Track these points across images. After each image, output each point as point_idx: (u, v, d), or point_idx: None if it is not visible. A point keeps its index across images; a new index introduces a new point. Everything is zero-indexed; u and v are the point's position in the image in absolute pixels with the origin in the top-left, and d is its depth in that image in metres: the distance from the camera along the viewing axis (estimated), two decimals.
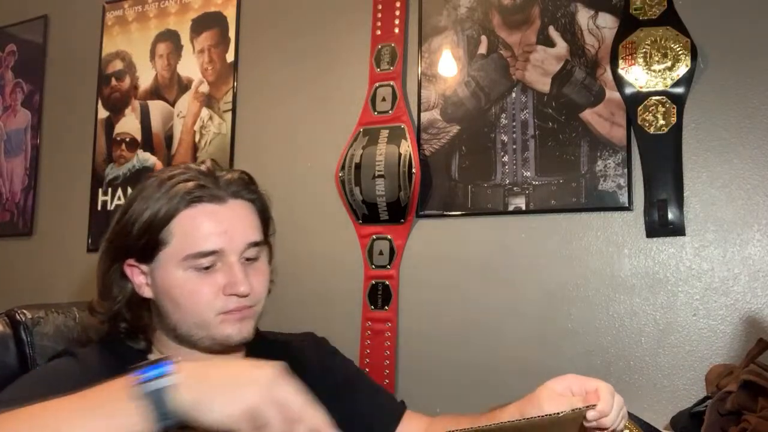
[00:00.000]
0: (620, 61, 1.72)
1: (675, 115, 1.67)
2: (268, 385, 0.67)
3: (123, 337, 0.99)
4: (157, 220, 0.92)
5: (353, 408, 1.05)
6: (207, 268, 0.92)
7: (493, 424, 0.88)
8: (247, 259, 0.97)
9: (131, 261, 0.96)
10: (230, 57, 2.37)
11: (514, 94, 1.88)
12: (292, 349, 1.12)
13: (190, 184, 0.93)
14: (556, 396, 0.95)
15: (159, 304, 0.96)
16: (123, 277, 0.97)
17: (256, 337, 1.03)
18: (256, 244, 0.97)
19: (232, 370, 0.71)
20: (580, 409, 0.87)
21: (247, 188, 0.99)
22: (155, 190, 0.94)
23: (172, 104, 2.48)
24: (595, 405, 0.87)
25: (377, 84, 2.05)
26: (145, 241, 0.93)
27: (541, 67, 1.85)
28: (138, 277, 0.97)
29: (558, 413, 0.85)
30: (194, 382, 0.67)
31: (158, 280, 0.94)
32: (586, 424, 0.87)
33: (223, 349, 0.97)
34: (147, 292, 0.97)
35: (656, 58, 1.68)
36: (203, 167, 0.97)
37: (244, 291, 0.93)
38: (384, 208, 1.97)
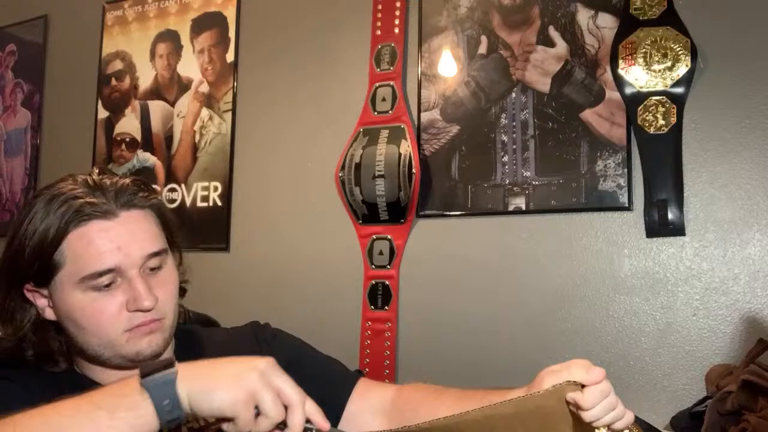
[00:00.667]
0: (620, 61, 1.72)
1: (675, 115, 1.67)
2: (266, 372, 0.72)
3: (32, 363, 0.93)
4: (46, 244, 0.88)
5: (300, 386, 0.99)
6: (107, 286, 0.88)
7: (456, 414, 0.81)
8: (152, 269, 0.92)
9: (29, 285, 0.91)
10: (230, 57, 2.37)
11: (514, 94, 1.88)
12: (227, 344, 1.08)
13: (77, 202, 0.88)
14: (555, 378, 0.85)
15: (63, 326, 0.92)
16: (25, 301, 0.93)
17: (186, 336, 1.04)
18: (156, 254, 0.92)
19: (230, 362, 0.74)
20: (558, 386, 0.80)
21: (140, 195, 0.93)
22: (42, 211, 0.89)
23: (172, 104, 2.48)
24: (577, 383, 0.79)
25: (377, 84, 2.05)
26: (38, 266, 0.89)
27: (541, 67, 1.85)
28: (39, 300, 0.92)
29: (527, 395, 0.82)
30: (197, 374, 0.71)
31: (58, 303, 0.90)
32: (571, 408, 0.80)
33: (135, 365, 0.89)
34: (50, 315, 0.92)
35: (656, 58, 1.68)
36: (90, 179, 0.92)
37: (148, 305, 0.88)
38: (384, 208, 1.97)
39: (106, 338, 0.89)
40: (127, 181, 0.94)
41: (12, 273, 0.92)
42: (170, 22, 2.52)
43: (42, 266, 0.89)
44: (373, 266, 2.02)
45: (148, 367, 0.70)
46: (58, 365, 0.94)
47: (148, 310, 0.89)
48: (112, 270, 0.88)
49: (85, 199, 0.89)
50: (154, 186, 2.36)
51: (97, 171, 0.95)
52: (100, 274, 0.87)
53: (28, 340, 0.93)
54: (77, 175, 0.94)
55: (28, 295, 0.92)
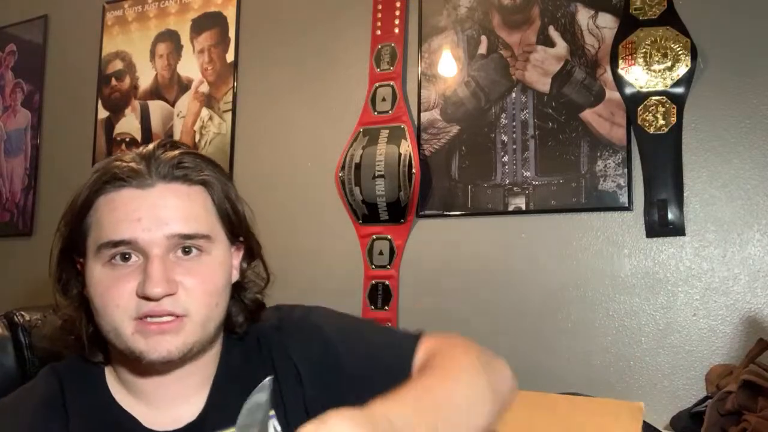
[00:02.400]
0: (620, 61, 1.72)
1: (675, 115, 1.67)
2: None
3: (74, 348, 0.86)
4: (78, 207, 0.81)
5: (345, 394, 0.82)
6: (125, 261, 0.77)
7: None
8: (185, 254, 0.79)
9: (75, 255, 0.84)
10: (230, 57, 2.37)
11: (514, 94, 1.88)
12: (276, 351, 0.89)
13: (117, 166, 0.80)
14: None
15: (90, 305, 0.82)
16: (77, 272, 0.85)
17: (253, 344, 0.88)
18: (188, 237, 0.79)
19: None
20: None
21: (189, 168, 0.82)
22: (91, 175, 0.82)
23: (172, 104, 2.48)
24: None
25: (377, 84, 2.05)
26: (74, 231, 0.82)
27: (541, 67, 1.85)
28: (82, 271, 0.83)
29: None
30: None
31: (85, 275, 0.81)
32: None
33: (157, 366, 0.79)
34: (85, 291, 0.82)
35: (656, 58, 1.68)
36: (149, 147, 0.83)
37: (155, 292, 0.75)
38: (384, 208, 1.97)
39: (112, 323, 0.77)
40: (177, 152, 0.82)
41: (61, 239, 0.84)
42: (170, 22, 2.52)
43: (76, 231, 0.82)
44: (373, 266, 2.02)
45: None
46: (94, 355, 0.85)
47: (157, 299, 0.76)
48: (128, 243, 0.77)
49: (128, 165, 0.80)
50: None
51: (167, 141, 0.85)
52: (114, 244, 0.77)
53: (71, 319, 0.85)
54: (147, 145, 0.85)
55: (78, 267, 0.84)
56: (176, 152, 0.82)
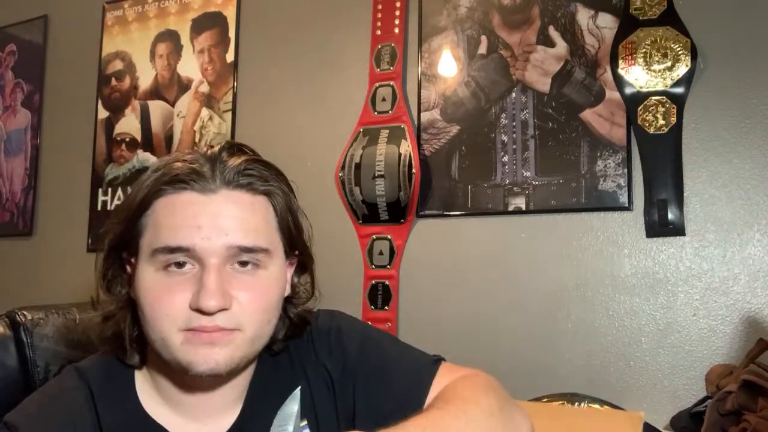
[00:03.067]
0: (620, 61, 1.72)
1: (675, 115, 1.67)
2: None
3: (109, 348, 0.83)
4: (135, 205, 0.77)
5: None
6: (179, 269, 0.74)
7: None
8: (242, 265, 0.77)
9: (125, 253, 0.81)
10: (230, 57, 2.37)
11: (514, 94, 1.88)
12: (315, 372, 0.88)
13: (179, 167, 0.76)
14: None
15: (137, 307, 0.79)
16: (124, 271, 0.82)
17: (268, 362, 0.86)
18: (248, 250, 0.76)
19: None
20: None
21: (254, 177, 0.79)
22: (150, 173, 0.79)
23: (172, 104, 2.48)
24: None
25: (377, 84, 2.05)
26: (127, 229, 0.78)
27: (541, 67, 1.85)
28: (131, 271, 0.81)
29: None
30: None
31: (135, 278, 0.78)
32: None
33: (203, 379, 0.76)
34: (131, 292, 0.80)
35: (656, 58, 1.68)
36: (214, 150, 0.80)
37: (210, 305, 0.72)
38: (384, 208, 1.97)
39: (160, 333, 0.74)
40: (243, 158, 0.79)
41: (112, 235, 0.81)
42: (170, 22, 2.52)
43: (129, 230, 0.78)
44: (373, 266, 2.02)
45: None
46: (131, 357, 0.82)
47: (211, 314, 0.72)
48: (186, 250, 0.74)
49: (191, 166, 0.76)
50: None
51: (225, 144, 0.82)
52: (171, 250, 0.74)
53: (114, 318, 0.81)
54: (209, 146, 0.82)
55: (126, 266, 0.81)
56: (242, 158, 0.79)
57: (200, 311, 0.72)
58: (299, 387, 0.81)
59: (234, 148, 0.81)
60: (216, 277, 0.73)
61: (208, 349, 0.73)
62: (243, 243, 0.75)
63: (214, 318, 0.73)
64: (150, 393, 0.82)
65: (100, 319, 0.82)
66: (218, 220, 0.75)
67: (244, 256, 0.76)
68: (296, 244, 0.85)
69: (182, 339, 0.73)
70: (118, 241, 0.80)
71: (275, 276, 0.80)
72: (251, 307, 0.76)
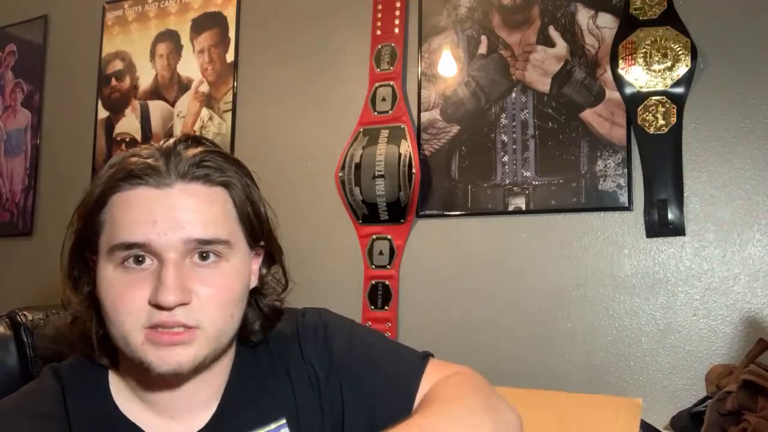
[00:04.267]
0: (620, 61, 1.72)
1: (675, 115, 1.67)
2: None
3: (87, 349, 0.82)
4: (92, 202, 0.76)
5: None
6: (138, 264, 0.73)
7: None
8: (202, 259, 0.75)
9: (87, 251, 0.79)
10: (230, 57, 2.37)
11: (514, 94, 1.88)
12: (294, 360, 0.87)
13: (134, 162, 0.75)
14: None
15: (100, 307, 0.77)
16: (89, 270, 0.81)
17: (243, 351, 0.85)
18: (206, 242, 0.74)
19: None
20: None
21: (211, 168, 0.77)
22: (106, 169, 0.77)
23: (172, 104, 2.48)
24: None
25: (377, 84, 2.05)
26: (83, 226, 0.77)
27: (541, 67, 1.85)
28: (94, 270, 0.79)
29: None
30: None
31: (96, 276, 0.77)
32: None
33: (167, 377, 0.75)
34: (96, 291, 0.78)
35: (656, 58, 1.68)
36: (170, 142, 0.79)
37: (168, 300, 0.70)
38: (384, 208, 1.97)
39: (122, 331, 0.73)
40: (199, 149, 0.78)
41: (74, 234, 0.80)
42: (170, 22, 2.52)
43: (88, 227, 0.77)
44: (373, 266, 2.02)
45: None
46: (99, 357, 0.81)
47: (170, 309, 0.71)
48: (142, 245, 0.72)
49: (145, 161, 0.75)
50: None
51: (189, 137, 0.80)
52: (128, 246, 0.72)
53: (81, 318, 0.80)
54: (167, 139, 0.81)
55: (91, 264, 0.80)
56: (198, 149, 0.78)
57: (159, 307, 0.71)
58: (284, 423, 0.80)
59: (190, 140, 0.80)
60: (174, 272, 0.72)
61: (169, 349, 0.72)
62: (201, 236, 0.74)
63: (174, 313, 0.72)
64: (123, 391, 0.81)
65: (71, 320, 0.82)
66: (174, 213, 0.73)
67: (204, 248, 0.75)
68: (259, 235, 0.83)
69: (143, 339, 0.72)
70: (79, 238, 0.79)
71: (237, 268, 0.78)
72: (212, 302, 0.74)
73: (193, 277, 0.74)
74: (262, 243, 0.85)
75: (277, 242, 0.88)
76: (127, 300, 0.72)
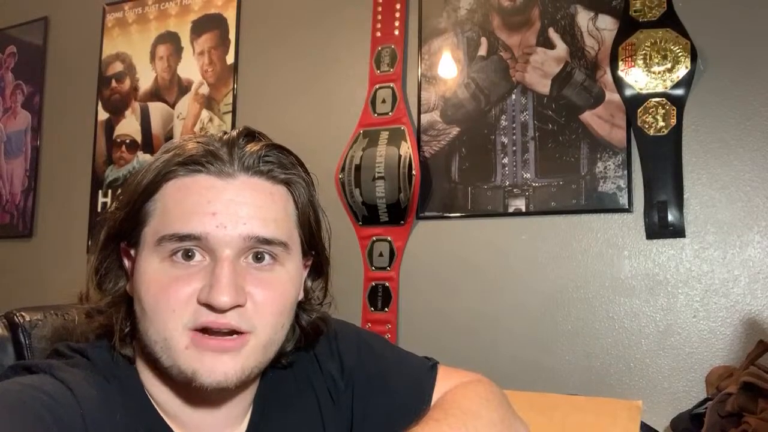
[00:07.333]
0: (620, 63, 1.72)
1: (675, 117, 1.67)
2: None
3: (110, 335, 0.72)
4: (141, 189, 0.69)
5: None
6: (188, 259, 0.66)
7: None
8: (257, 260, 0.69)
9: (124, 244, 0.72)
10: (230, 59, 2.38)
11: (514, 96, 1.88)
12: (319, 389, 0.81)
13: (193, 148, 0.69)
14: None
15: (134, 305, 0.69)
16: (120, 265, 0.73)
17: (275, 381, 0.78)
18: (267, 242, 0.68)
19: None
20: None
21: (275, 165, 0.71)
22: (160, 154, 0.71)
23: (172, 106, 2.48)
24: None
25: (377, 86, 2.05)
26: (129, 215, 0.70)
27: (541, 68, 1.85)
28: (129, 263, 0.72)
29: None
30: None
31: (136, 269, 0.69)
32: None
33: (208, 392, 0.67)
34: (129, 287, 0.71)
35: (656, 60, 1.68)
36: (230, 134, 0.72)
37: (222, 301, 0.63)
38: (384, 209, 1.97)
39: (162, 332, 0.65)
40: (263, 144, 0.72)
41: (112, 222, 0.72)
42: (170, 23, 2.52)
43: (132, 216, 0.69)
44: (373, 268, 2.02)
45: None
46: (125, 348, 0.71)
47: (222, 311, 0.64)
48: (197, 239, 0.65)
49: (207, 148, 0.69)
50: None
51: (251, 131, 0.73)
52: (181, 238, 0.65)
53: (103, 315, 0.72)
54: (228, 130, 0.74)
55: (124, 259, 0.73)
56: (261, 143, 0.72)
57: (210, 307, 0.64)
58: None
59: (252, 134, 0.73)
60: (230, 271, 0.65)
61: (216, 357, 0.65)
62: (262, 233, 0.67)
63: (226, 315, 0.64)
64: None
65: (84, 317, 0.73)
66: (235, 207, 0.67)
67: (262, 248, 0.68)
68: (314, 243, 0.77)
69: (187, 342, 0.64)
70: (119, 229, 0.71)
71: (292, 275, 0.72)
72: (267, 307, 0.68)
73: (248, 279, 0.67)
74: (313, 252, 0.79)
75: (326, 254, 0.81)
76: (172, 294, 0.65)
